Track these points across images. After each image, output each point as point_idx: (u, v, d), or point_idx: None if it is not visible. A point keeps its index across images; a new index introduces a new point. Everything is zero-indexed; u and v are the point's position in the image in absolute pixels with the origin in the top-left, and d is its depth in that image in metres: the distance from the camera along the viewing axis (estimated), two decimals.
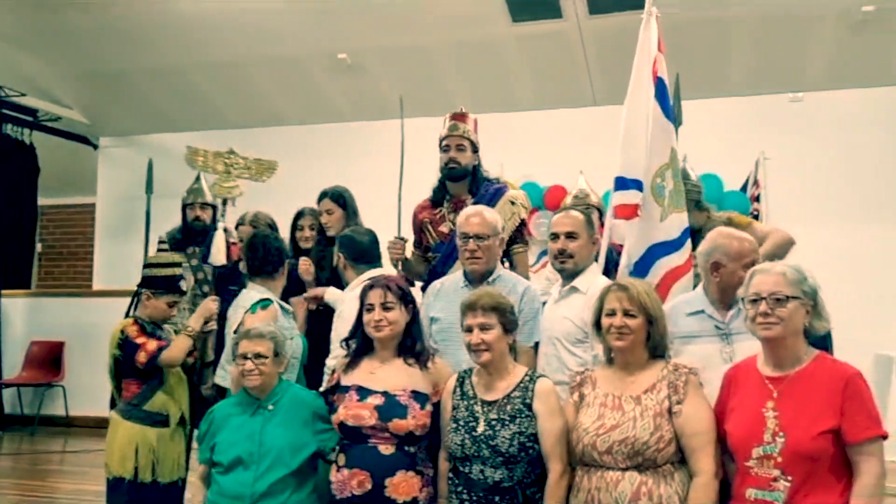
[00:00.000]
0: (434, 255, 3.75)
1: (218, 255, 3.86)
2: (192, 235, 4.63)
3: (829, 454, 2.23)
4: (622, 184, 3.42)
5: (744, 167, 7.05)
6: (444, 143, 3.77)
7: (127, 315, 4.26)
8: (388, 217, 6.17)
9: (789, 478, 2.24)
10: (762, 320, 2.36)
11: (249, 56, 7.42)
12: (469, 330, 2.71)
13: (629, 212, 3.38)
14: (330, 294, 3.76)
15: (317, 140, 8.22)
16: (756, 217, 7.08)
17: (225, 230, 3.96)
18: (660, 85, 3.40)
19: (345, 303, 3.40)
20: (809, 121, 7.04)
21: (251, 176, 4.04)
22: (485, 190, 3.73)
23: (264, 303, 3.40)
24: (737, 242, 2.84)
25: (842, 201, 6.92)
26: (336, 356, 3.23)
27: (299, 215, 4.31)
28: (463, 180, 3.74)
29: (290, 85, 7.78)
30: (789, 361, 2.39)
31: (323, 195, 4.16)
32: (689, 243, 3.31)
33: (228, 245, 3.99)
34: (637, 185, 3.38)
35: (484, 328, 2.68)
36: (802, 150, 6.98)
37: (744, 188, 7.11)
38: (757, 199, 7.08)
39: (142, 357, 3.34)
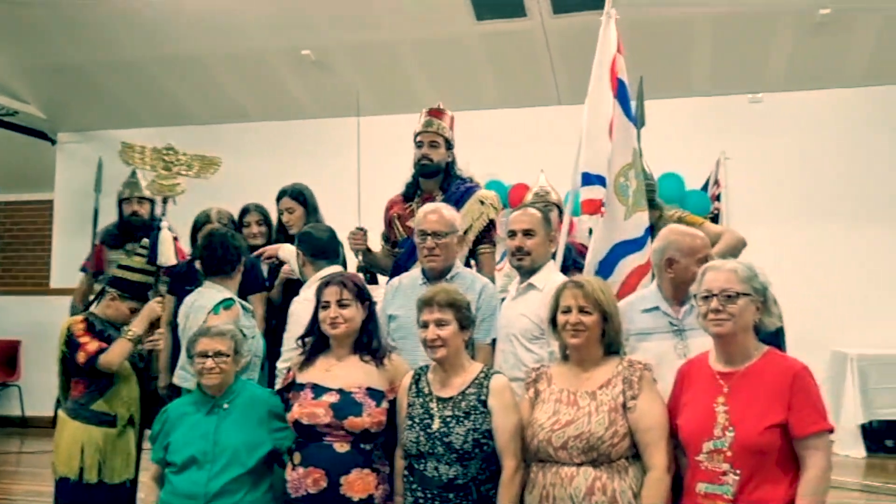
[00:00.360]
0: (399, 250, 3.75)
1: (167, 256, 3.77)
2: (130, 231, 4.53)
3: (777, 448, 2.27)
4: (587, 179, 3.47)
5: (705, 166, 7.14)
6: (417, 138, 3.77)
7: (74, 312, 4.19)
8: (354, 214, 6.14)
9: (738, 471, 2.27)
10: (713, 317, 2.39)
11: (212, 51, 7.33)
12: (425, 326, 2.71)
13: (594, 207, 3.43)
14: (284, 251, 3.75)
15: (281, 137, 8.15)
16: (716, 216, 7.20)
17: (169, 228, 3.87)
18: (620, 86, 3.46)
19: (299, 302, 3.36)
20: (769, 121, 7.14)
21: (193, 173, 3.95)
22: (455, 188, 3.73)
23: (227, 302, 3.36)
24: (689, 238, 2.88)
25: (800, 201, 7.03)
26: (287, 358, 3.20)
27: (245, 212, 4.24)
28: (435, 177, 3.75)
29: (254, 81, 7.70)
30: (739, 357, 2.42)
31: (282, 193, 4.12)
32: (650, 242, 3.33)
33: (175, 244, 3.91)
34: (601, 180, 3.43)
35: (440, 324, 2.68)
36: (762, 150, 7.08)
37: (705, 187, 7.20)
38: (717, 198, 7.18)
39: (81, 357, 3.31)
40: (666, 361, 2.72)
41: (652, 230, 3.44)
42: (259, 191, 7.53)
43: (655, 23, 6.32)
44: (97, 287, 4.30)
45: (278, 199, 4.13)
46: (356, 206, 6.87)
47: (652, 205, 3.78)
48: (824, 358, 6.67)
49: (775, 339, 2.72)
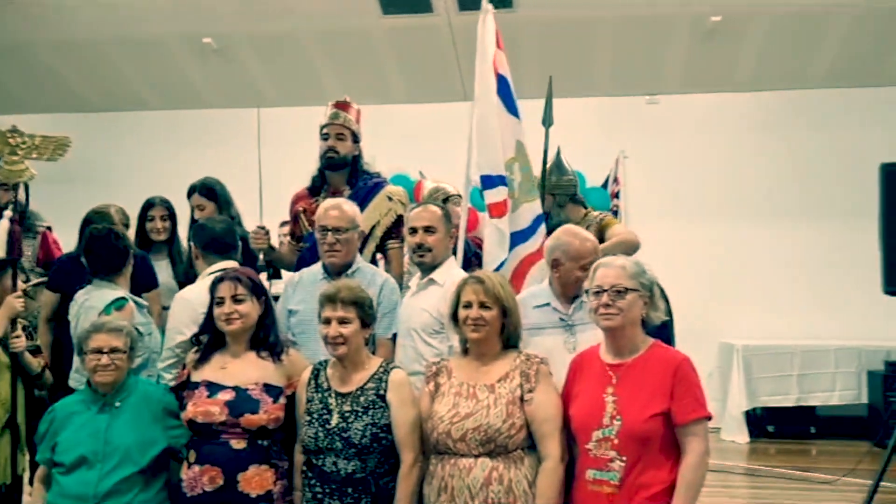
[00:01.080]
0: (304, 244, 3.69)
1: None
2: None
3: (660, 435, 2.39)
4: (489, 182, 3.50)
5: (605, 164, 7.37)
6: (324, 130, 3.71)
7: None
8: (255, 206, 6.03)
9: (624, 458, 2.38)
10: (604, 311, 2.49)
11: (107, 35, 7.03)
12: (327, 322, 2.70)
13: (501, 210, 3.46)
14: None
15: (180, 126, 7.93)
16: (615, 213, 7.45)
17: (11, 219, 3.65)
18: (501, 81, 3.52)
19: (178, 300, 3.24)
20: (665, 122, 7.45)
21: (41, 155, 3.73)
22: (363, 183, 3.70)
23: (119, 303, 3.23)
24: (578, 242, 2.95)
25: (693, 199, 7.36)
26: (165, 358, 3.11)
27: (149, 205, 4.11)
28: (342, 170, 3.70)
29: (152, 68, 7.44)
30: (627, 349, 2.53)
31: (192, 190, 4.03)
32: (542, 230, 3.45)
33: (13, 235, 3.67)
34: (502, 180, 3.48)
35: (342, 322, 2.68)
36: (658, 149, 7.39)
37: (605, 184, 7.43)
38: (616, 195, 7.43)
39: None
40: (556, 355, 2.81)
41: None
42: (156, 180, 7.39)
43: (559, 24, 6.48)
44: None
45: (189, 195, 4.03)
46: (257, 198, 6.75)
47: (574, 200, 3.89)
48: (713, 349, 7.03)
49: (663, 331, 2.85)
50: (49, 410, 2.89)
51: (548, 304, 3.00)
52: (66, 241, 4.29)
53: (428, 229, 3.13)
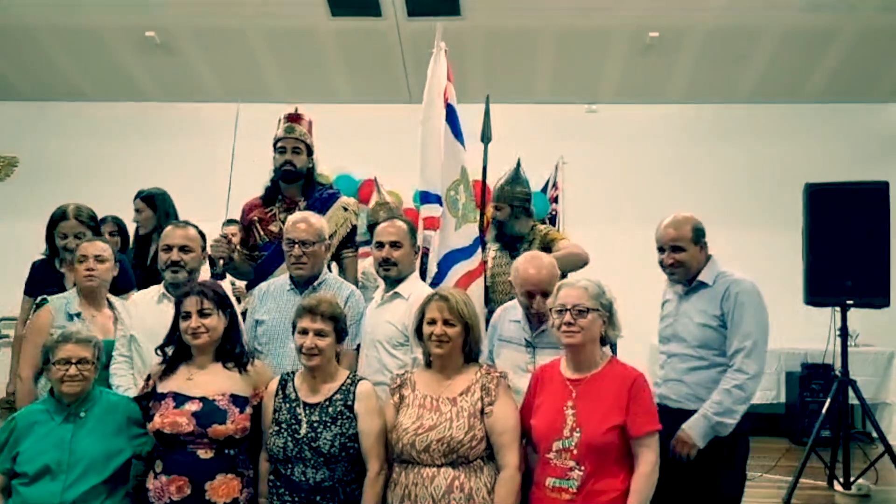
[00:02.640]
0: (261, 254, 3.74)
1: None
2: None
3: (616, 446, 2.57)
4: (426, 198, 3.74)
5: (544, 170, 7.57)
6: (279, 144, 3.78)
7: None
8: (189, 200, 5.99)
9: (582, 467, 2.55)
10: (566, 329, 2.66)
11: (41, 23, 6.82)
12: (304, 332, 2.77)
13: (433, 223, 3.70)
14: None
15: (119, 118, 7.76)
16: (554, 217, 7.67)
17: None
18: (449, 110, 3.79)
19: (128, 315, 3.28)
20: (602, 131, 7.68)
21: None
22: (319, 194, 3.80)
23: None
24: (522, 270, 3.05)
25: (628, 205, 7.61)
26: (115, 371, 3.13)
27: (101, 221, 4.09)
28: (297, 182, 3.78)
29: (90, 59, 7.25)
30: (587, 365, 2.70)
31: (137, 194, 4.18)
32: (479, 251, 3.71)
33: None
34: (437, 199, 3.72)
35: (319, 334, 2.76)
36: (596, 157, 7.61)
37: (544, 190, 7.63)
38: (556, 200, 7.65)
39: None
40: (515, 371, 2.99)
41: (523, 239, 3.86)
42: (92, 171, 7.26)
43: (504, 33, 6.63)
44: None
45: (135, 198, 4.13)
46: (199, 191, 6.70)
47: (527, 213, 4.05)
48: (644, 350, 7.32)
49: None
50: (9, 419, 2.86)
51: (518, 322, 3.16)
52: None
53: (394, 244, 3.25)
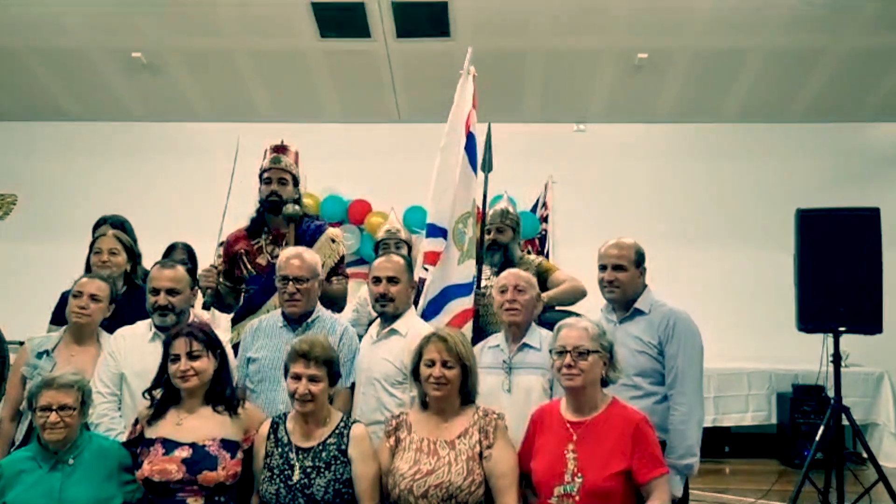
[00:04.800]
0: (249, 287, 3.66)
1: None
2: None
3: (620, 492, 2.53)
4: (432, 231, 3.64)
5: (534, 189, 7.56)
6: (265, 175, 3.72)
7: None
8: (176, 220, 5.90)
9: None
10: (567, 371, 2.62)
11: (25, 44, 6.73)
12: (297, 378, 2.72)
13: (435, 258, 3.59)
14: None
15: (106, 138, 7.67)
16: (544, 237, 7.66)
17: None
18: (470, 139, 3.66)
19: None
20: (591, 150, 7.67)
21: None
22: (306, 226, 3.73)
23: None
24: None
25: (617, 224, 7.51)
26: (104, 417, 3.05)
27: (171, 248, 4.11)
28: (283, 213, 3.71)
29: (76, 80, 7.16)
30: (588, 407, 2.66)
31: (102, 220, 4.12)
32: (474, 291, 3.61)
33: None
34: (443, 233, 3.62)
35: (313, 379, 2.70)
36: (585, 176, 7.60)
37: (534, 209, 7.62)
38: (545, 219, 7.64)
39: None
40: (494, 394, 2.99)
41: (510, 265, 3.73)
42: (80, 192, 7.15)
43: (494, 54, 6.60)
44: None
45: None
46: (182, 212, 6.58)
47: (515, 241, 4.03)
48: None
49: None
50: None
51: (497, 346, 3.18)
52: None
53: (391, 279, 3.19)
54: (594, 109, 7.53)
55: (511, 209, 4.10)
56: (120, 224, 4.06)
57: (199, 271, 3.62)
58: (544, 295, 3.62)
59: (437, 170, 3.68)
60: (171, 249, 4.31)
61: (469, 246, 3.59)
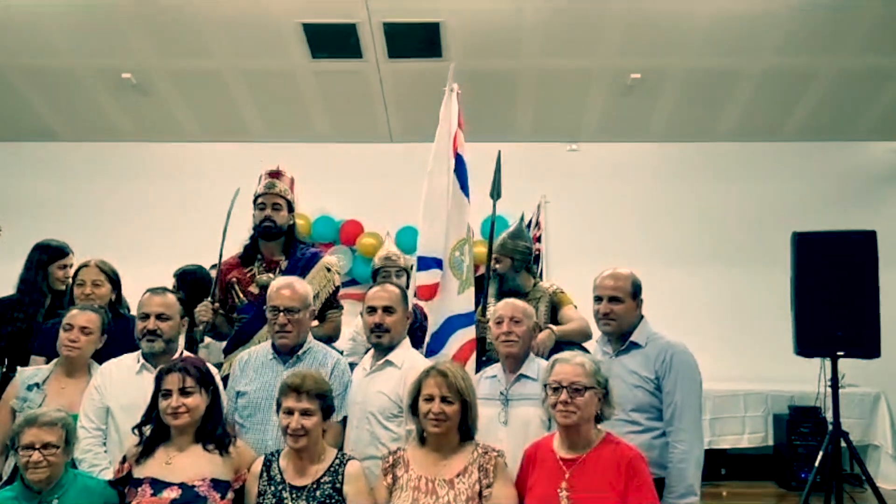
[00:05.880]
0: (241, 316, 3.58)
1: None
2: None
3: None
4: (424, 264, 3.51)
5: (527, 209, 7.50)
6: (259, 200, 3.64)
7: None
8: (165, 241, 5.81)
9: None
10: (562, 408, 2.56)
11: (10, 63, 6.67)
12: (289, 412, 2.65)
13: (430, 292, 3.48)
14: None
15: (95, 159, 7.60)
16: (537, 257, 7.60)
17: None
18: (459, 161, 3.55)
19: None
20: (584, 169, 7.63)
21: None
22: (300, 254, 3.65)
23: None
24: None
25: (610, 243, 7.54)
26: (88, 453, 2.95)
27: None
28: (277, 239, 3.64)
29: (65, 100, 7.09)
30: (581, 444, 2.61)
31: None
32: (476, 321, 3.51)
33: None
34: (437, 263, 3.49)
35: (305, 413, 2.64)
36: (578, 195, 7.56)
37: (527, 227, 7.56)
38: (538, 239, 7.58)
39: None
40: (490, 426, 2.91)
41: (526, 296, 3.64)
42: (68, 212, 7.07)
43: (486, 74, 6.59)
44: None
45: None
46: (169, 232, 6.47)
47: (529, 270, 3.95)
48: None
49: None
50: None
51: (495, 377, 3.11)
52: None
53: (387, 309, 3.11)
54: (587, 129, 7.51)
55: (510, 240, 3.96)
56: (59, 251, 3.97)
57: (198, 307, 3.52)
58: (556, 329, 3.56)
59: (425, 196, 3.57)
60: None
61: (468, 274, 3.50)
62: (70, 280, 3.81)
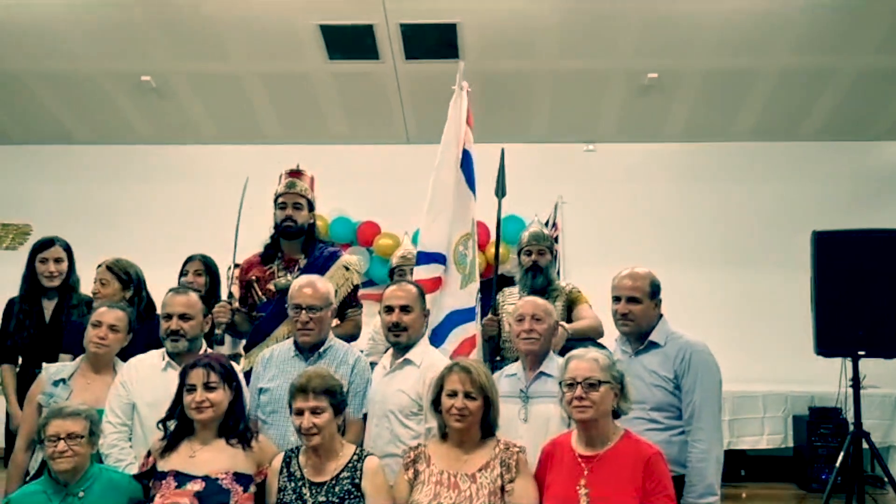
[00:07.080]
0: (259, 314, 3.61)
1: None
2: None
3: None
4: (424, 258, 3.54)
5: (544, 209, 7.50)
6: (280, 199, 3.67)
7: None
8: (184, 243, 5.85)
9: None
10: (577, 404, 2.56)
11: (31, 69, 6.75)
12: (300, 413, 2.66)
13: (431, 285, 3.48)
14: None
15: (114, 162, 7.67)
16: (555, 258, 7.58)
17: None
18: (465, 156, 3.59)
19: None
20: (601, 169, 7.63)
21: (5, 245, 3.62)
22: (319, 252, 3.67)
23: None
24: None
25: (627, 244, 7.53)
26: (114, 448, 2.98)
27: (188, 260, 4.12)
28: (297, 239, 3.66)
29: (85, 104, 7.17)
30: (599, 440, 2.60)
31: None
32: (478, 317, 3.53)
33: None
34: (438, 258, 3.52)
35: (315, 412, 2.65)
36: (595, 196, 7.55)
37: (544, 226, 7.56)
38: (556, 239, 7.58)
39: None
40: (510, 423, 2.91)
41: (545, 294, 3.63)
42: (88, 215, 7.14)
43: (502, 75, 6.61)
44: None
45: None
46: (189, 232, 6.53)
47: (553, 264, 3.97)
48: None
49: None
50: (4, 502, 2.75)
51: (515, 374, 3.11)
52: None
53: (404, 308, 3.12)
54: (604, 129, 7.50)
55: (546, 231, 4.02)
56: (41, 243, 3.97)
57: (215, 308, 3.54)
58: (568, 327, 3.56)
59: (431, 190, 3.60)
60: (188, 261, 4.24)
61: (471, 268, 3.52)
62: (54, 273, 3.87)
